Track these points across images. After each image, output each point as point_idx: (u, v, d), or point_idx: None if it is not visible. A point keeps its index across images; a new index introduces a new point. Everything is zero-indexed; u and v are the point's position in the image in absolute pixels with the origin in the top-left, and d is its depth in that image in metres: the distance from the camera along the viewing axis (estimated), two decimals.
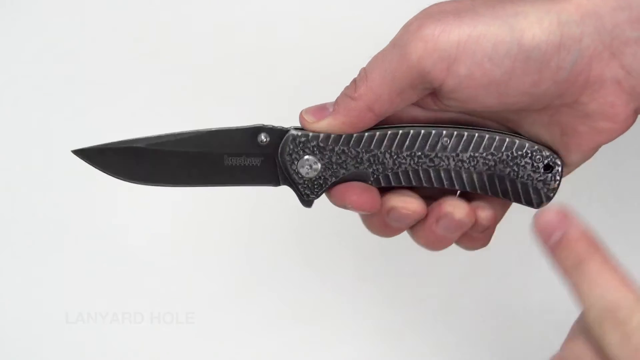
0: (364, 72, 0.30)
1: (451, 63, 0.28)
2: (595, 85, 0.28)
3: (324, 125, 0.32)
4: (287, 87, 0.55)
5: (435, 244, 0.34)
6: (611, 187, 0.58)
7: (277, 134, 0.33)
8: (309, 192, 0.34)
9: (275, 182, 0.34)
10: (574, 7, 0.27)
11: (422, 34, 0.28)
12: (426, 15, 0.28)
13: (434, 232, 0.32)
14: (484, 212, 0.32)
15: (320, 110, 0.33)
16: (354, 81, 0.31)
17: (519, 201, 0.33)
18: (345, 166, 0.33)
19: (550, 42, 0.27)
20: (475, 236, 0.33)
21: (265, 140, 0.33)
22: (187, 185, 0.33)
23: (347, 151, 0.33)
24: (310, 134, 0.33)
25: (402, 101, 0.30)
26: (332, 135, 0.33)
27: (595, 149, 0.31)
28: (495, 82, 0.28)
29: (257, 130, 0.33)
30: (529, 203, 0.33)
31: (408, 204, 0.32)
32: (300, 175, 0.33)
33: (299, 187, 0.33)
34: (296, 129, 0.33)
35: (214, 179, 0.33)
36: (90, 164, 0.33)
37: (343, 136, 0.33)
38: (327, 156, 0.33)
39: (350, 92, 0.31)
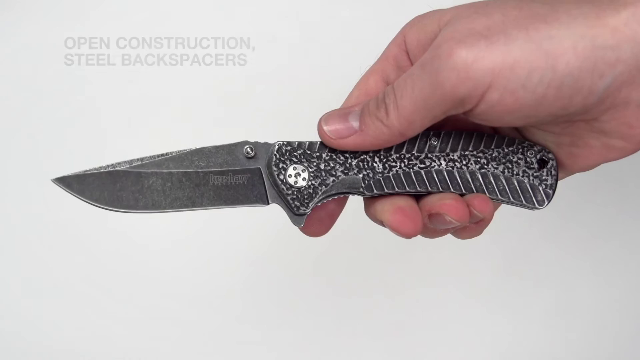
0: (394, 96, 0.29)
1: (485, 90, 0.27)
2: (620, 107, 0.28)
3: (350, 143, 0.31)
4: (270, 110, 0.55)
5: (428, 235, 0.34)
6: (612, 187, 0.58)
7: (262, 147, 0.32)
8: (299, 204, 0.32)
9: (264, 201, 0.32)
10: (610, 32, 0.26)
11: (454, 62, 0.27)
12: (456, 38, 0.27)
13: (427, 227, 0.32)
14: (479, 205, 0.31)
15: (344, 124, 0.31)
16: (383, 102, 0.30)
17: (519, 201, 0.33)
18: (334, 173, 0.32)
19: (583, 68, 0.27)
20: (469, 227, 0.33)
21: (250, 153, 0.32)
22: (173, 209, 0.31)
23: (335, 157, 0.32)
24: (296, 142, 0.32)
25: (433, 122, 0.30)
26: (319, 142, 0.32)
27: (600, 163, 0.31)
28: (526, 107, 0.28)
29: (241, 145, 0.32)
30: (530, 202, 0.33)
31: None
32: (288, 186, 0.32)
33: (288, 198, 0.32)
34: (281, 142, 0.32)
35: (201, 201, 0.32)
36: (70, 193, 0.31)
37: None
38: (314, 163, 0.32)
39: (381, 116, 0.30)
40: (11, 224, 0.55)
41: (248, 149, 0.32)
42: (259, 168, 0.32)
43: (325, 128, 0.31)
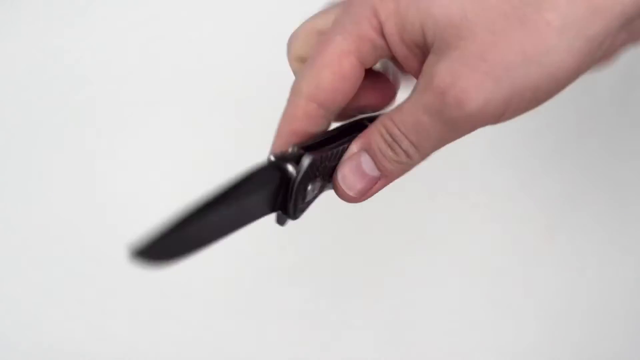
0: (410, 143, 0.29)
1: (500, 117, 0.28)
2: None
3: (377, 190, 0.31)
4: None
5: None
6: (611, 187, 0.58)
7: (293, 159, 0.29)
8: (299, 214, 0.31)
9: (269, 212, 0.30)
10: (600, 18, 0.26)
11: (468, 112, 0.27)
12: (461, 85, 0.26)
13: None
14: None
15: (365, 179, 0.31)
16: (400, 149, 0.29)
17: None
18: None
19: (582, 62, 0.27)
20: None
21: (293, 171, 0.29)
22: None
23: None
24: (322, 155, 0.30)
25: None
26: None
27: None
28: (529, 110, 0.28)
29: (277, 164, 0.29)
30: None
31: None
32: (305, 200, 0.30)
33: (296, 210, 0.30)
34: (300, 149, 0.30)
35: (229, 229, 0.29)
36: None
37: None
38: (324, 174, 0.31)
39: (403, 160, 0.30)
40: (11, 224, 0.55)
41: (290, 168, 0.29)
42: (283, 182, 0.29)
43: (351, 193, 0.31)
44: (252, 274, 0.57)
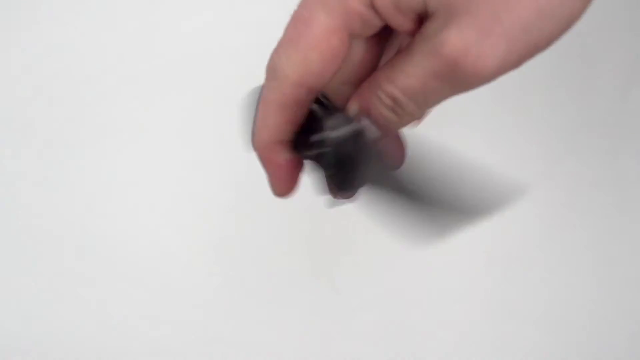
0: (416, 107, 0.28)
1: (510, 71, 0.27)
2: None
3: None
4: None
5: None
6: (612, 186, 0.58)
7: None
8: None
9: None
10: None
11: (483, 75, 0.26)
12: (474, 51, 0.26)
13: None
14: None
15: None
16: (403, 112, 0.28)
17: None
18: None
19: (588, 2, 0.26)
20: None
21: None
22: None
23: None
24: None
25: None
26: None
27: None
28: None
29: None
30: None
31: None
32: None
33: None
34: None
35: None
36: None
37: None
38: None
39: (404, 121, 0.29)
40: (12, 224, 0.55)
41: None
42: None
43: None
44: (252, 274, 0.57)
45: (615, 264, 0.58)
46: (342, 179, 0.29)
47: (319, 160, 0.29)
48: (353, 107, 0.29)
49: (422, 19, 0.27)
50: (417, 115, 0.28)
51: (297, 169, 0.30)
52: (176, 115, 0.56)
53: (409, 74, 0.27)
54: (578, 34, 0.52)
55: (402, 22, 0.28)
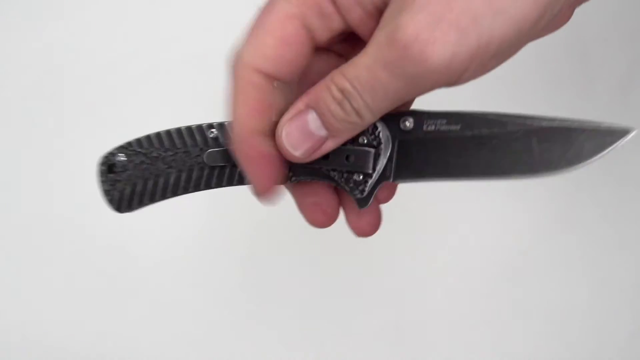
0: (362, 100, 0.27)
1: (463, 73, 0.26)
2: None
3: (325, 150, 0.29)
4: None
5: None
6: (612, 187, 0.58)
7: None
8: None
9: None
10: None
11: (431, 66, 0.25)
12: (424, 37, 0.25)
13: None
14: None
15: (311, 139, 0.28)
16: (350, 106, 0.27)
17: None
18: None
19: (544, 13, 0.26)
20: None
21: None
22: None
23: None
24: None
25: None
26: None
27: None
28: (489, 69, 0.27)
29: None
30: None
31: None
32: None
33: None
34: None
35: None
36: None
37: None
38: None
39: (354, 119, 0.27)
40: (12, 224, 0.55)
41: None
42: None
43: (296, 153, 0.28)
44: (251, 274, 0.57)
45: (615, 264, 0.58)
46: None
47: None
48: (300, 104, 0.28)
49: (381, 15, 0.27)
50: (364, 115, 0.27)
51: (274, 162, 0.29)
52: (176, 116, 0.56)
53: (358, 65, 0.26)
54: (578, 34, 0.52)
55: (362, 18, 0.28)
